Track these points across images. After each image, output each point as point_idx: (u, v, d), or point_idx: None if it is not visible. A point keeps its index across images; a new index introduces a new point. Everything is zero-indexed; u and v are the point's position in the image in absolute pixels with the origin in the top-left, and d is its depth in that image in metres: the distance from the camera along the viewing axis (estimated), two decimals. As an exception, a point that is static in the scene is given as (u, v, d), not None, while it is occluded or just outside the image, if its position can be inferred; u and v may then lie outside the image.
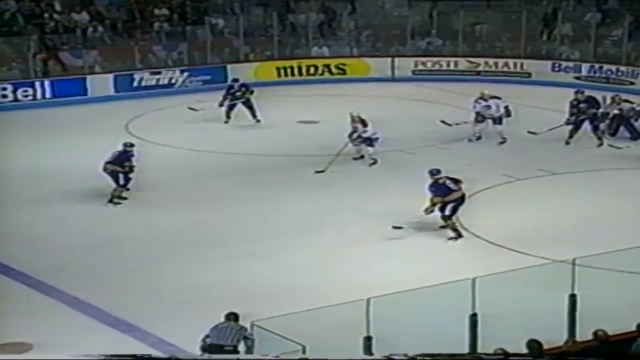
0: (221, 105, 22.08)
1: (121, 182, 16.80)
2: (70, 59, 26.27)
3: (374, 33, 29.29)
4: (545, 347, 9.45)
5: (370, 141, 18.75)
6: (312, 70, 27.82)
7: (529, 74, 27.06)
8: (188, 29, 28.08)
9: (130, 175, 16.86)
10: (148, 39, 27.60)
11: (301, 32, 28.97)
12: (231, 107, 22.16)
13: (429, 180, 14.83)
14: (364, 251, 14.28)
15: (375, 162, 18.73)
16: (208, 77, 26.70)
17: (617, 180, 17.65)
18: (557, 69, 26.90)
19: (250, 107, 22.15)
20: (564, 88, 23.66)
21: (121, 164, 16.78)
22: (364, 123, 18.75)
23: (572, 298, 11.01)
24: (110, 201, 16.69)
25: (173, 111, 23.94)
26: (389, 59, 28.01)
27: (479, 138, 20.39)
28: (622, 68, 25.92)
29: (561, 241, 14.15)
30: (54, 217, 15.96)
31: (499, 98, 20.56)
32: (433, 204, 14.65)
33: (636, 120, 20.74)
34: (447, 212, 14.66)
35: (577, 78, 26.18)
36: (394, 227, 14.70)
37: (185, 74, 26.60)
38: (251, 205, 16.47)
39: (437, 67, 27.87)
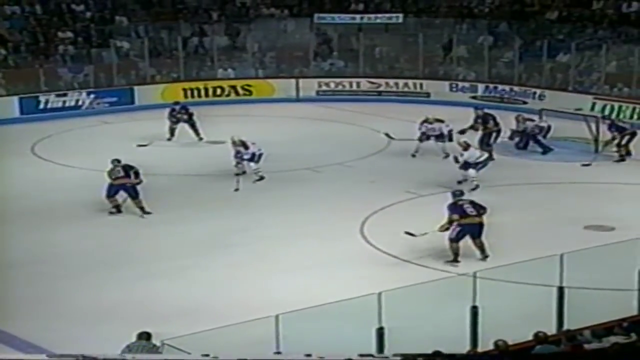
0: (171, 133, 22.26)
1: (132, 194, 16.79)
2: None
3: (277, 55, 29.38)
4: (449, 357, 9.52)
5: (253, 158, 18.81)
6: (218, 91, 27.76)
7: (428, 94, 27.50)
8: (93, 51, 27.70)
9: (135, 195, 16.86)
10: (53, 61, 27.11)
11: (206, 54, 28.89)
12: (173, 129, 22.28)
13: (450, 200, 14.68)
14: (270, 268, 14.17)
15: (262, 178, 18.74)
16: (115, 99, 26.41)
17: (514, 195, 17.99)
18: (454, 89, 27.42)
19: (194, 127, 22.32)
20: (461, 107, 24.10)
21: (128, 177, 16.80)
22: (245, 145, 18.94)
23: (474, 310, 11.14)
24: (143, 213, 16.66)
25: (80, 132, 23.55)
26: (293, 80, 28.13)
27: (416, 152, 20.64)
28: (515, 88, 26.60)
29: (463, 255, 14.31)
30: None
31: (442, 121, 20.86)
32: (450, 222, 14.34)
33: (544, 136, 21.28)
34: (453, 234, 14.33)
35: (474, 97, 26.73)
36: (406, 233, 14.60)
37: (92, 95, 26.21)
38: (157, 225, 16.25)
39: (340, 87, 28.12)
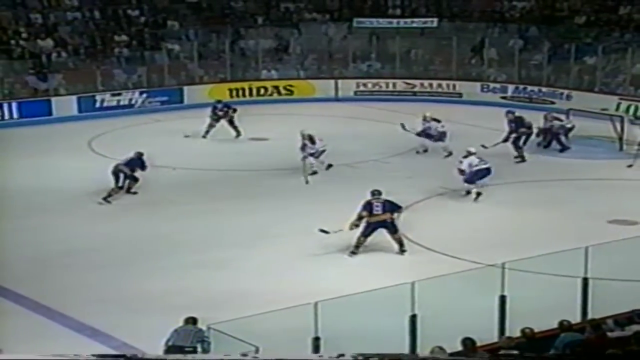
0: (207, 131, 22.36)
1: (120, 183, 17.29)
2: (37, 82, 25.96)
3: (318, 57, 29.41)
4: (479, 344, 9.52)
5: (314, 154, 18.89)
6: (262, 91, 27.86)
7: (460, 94, 27.36)
8: (146, 53, 27.96)
9: (133, 181, 17.37)
10: (109, 63, 27.38)
11: (251, 57, 29.01)
12: (212, 126, 22.35)
13: (367, 197, 14.49)
14: (311, 259, 14.22)
15: (314, 172, 18.85)
16: (165, 98, 26.64)
17: (540, 191, 17.85)
18: (485, 89, 27.22)
19: (232, 125, 22.41)
20: (492, 107, 23.90)
21: (131, 169, 17.43)
22: (312, 140, 18.94)
23: (502, 299, 11.11)
24: (105, 198, 17.09)
25: (133, 129, 23.77)
26: (333, 81, 28.12)
27: (425, 151, 20.50)
28: (544, 89, 26.35)
29: (492, 247, 14.22)
30: (19, 229, 15.67)
31: (438, 121, 20.65)
32: (359, 218, 14.28)
33: (566, 135, 21.04)
34: (362, 229, 14.25)
35: (504, 98, 26.51)
36: (320, 230, 14.46)
37: (144, 95, 26.44)
38: (205, 216, 16.32)
39: (377, 88, 28.05)
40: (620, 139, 20.84)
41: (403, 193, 17.14)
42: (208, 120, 22.42)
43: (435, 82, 27.77)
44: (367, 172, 19.25)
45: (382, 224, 14.37)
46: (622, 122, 21.08)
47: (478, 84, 27.35)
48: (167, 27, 29.25)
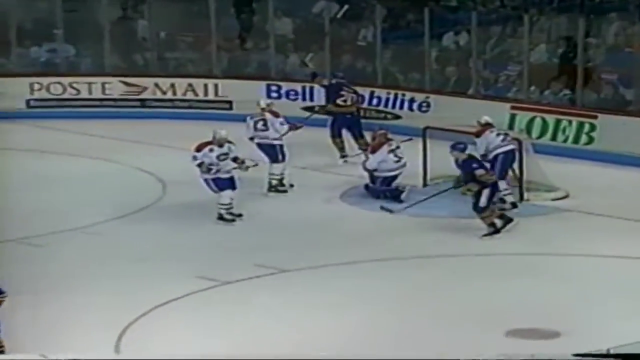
0: None
1: None
2: None
3: None
4: None
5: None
6: None
7: (230, 103, 28.12)
8: None
9: None
10: None
11: None
12: None
13: None
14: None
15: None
16: None
17: (387, 277, 18.28)
18: (275, 93, 27.58)
19: None
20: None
21: None
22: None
23: None
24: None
25: None
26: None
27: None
28: (378, 92, 27.01)
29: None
30: None
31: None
32: None
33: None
34: None
35: (308, 108, 26.74)
36: None
37: None
38: None
39: (67, 94, 28.74)
40: (520, 180, 21.67)
41: (126, 290, 17.40)
42: None
43: (182, 82, 28.29)
44: (52, 250, 19.37)
45: None
46: (520, 150, 21.78)
47: (263, 85, 27.65)
48: None
